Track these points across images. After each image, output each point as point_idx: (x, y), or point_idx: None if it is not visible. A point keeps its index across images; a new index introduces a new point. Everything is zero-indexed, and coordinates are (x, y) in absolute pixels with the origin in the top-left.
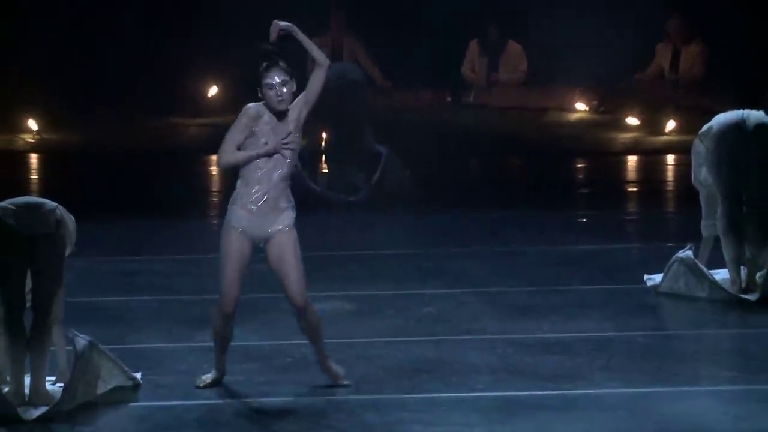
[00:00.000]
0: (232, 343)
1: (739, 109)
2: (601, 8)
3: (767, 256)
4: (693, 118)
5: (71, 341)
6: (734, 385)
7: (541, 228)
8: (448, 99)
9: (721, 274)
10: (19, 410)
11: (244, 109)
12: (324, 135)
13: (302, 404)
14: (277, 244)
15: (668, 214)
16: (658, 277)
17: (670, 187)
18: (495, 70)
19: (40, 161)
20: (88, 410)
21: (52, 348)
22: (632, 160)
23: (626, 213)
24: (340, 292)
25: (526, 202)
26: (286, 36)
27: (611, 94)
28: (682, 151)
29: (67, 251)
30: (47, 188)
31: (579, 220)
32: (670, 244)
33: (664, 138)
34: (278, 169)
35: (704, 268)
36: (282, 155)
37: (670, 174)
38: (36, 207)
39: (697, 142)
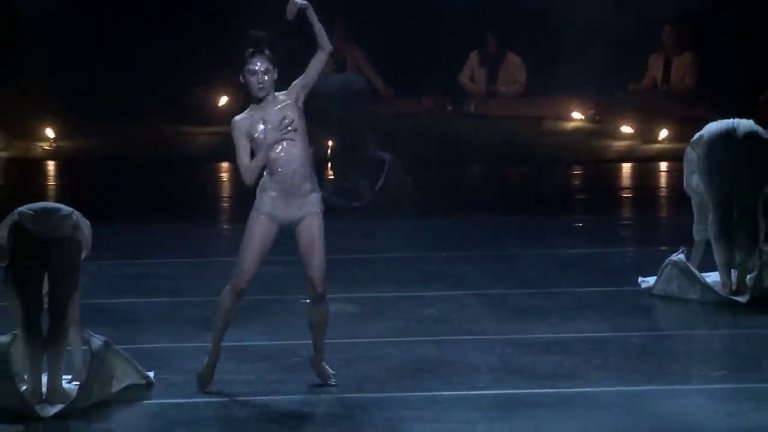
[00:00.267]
0: (242, 344)
1: (729, 118)
2: (597, 22)
3: (756, 260)
4: (685, 127)
5: (87, 341)
6: (725, 384)
7: (540, 233)
8: (449, 107)
9: (712, 277)
10: (37, 408)
11: (231, 124)
12: (330, 143)
13: (310, 401)
14: (308, 224)
15: (661, 219)
16: (651, 280)
17: (664, 193)
18: (494, 82)
19: (57, 168)
20: (103, 408)
21: (68, 348)
22: (627, 167)
23: (621, 218)
24: (344, 295)
25: (524, 207)
26: (300, 13)
27: (607, 104)
28: (675, 158)
29: (83, 255)
30: (63, 194)
31: (576, 225)
32: (663, 248)
33: (658, 146)
34: (291, 153)
35: (696, 271)
36: (285, 139)
37: (663, 181)
38: (53, 212)
39: (689, 150)
